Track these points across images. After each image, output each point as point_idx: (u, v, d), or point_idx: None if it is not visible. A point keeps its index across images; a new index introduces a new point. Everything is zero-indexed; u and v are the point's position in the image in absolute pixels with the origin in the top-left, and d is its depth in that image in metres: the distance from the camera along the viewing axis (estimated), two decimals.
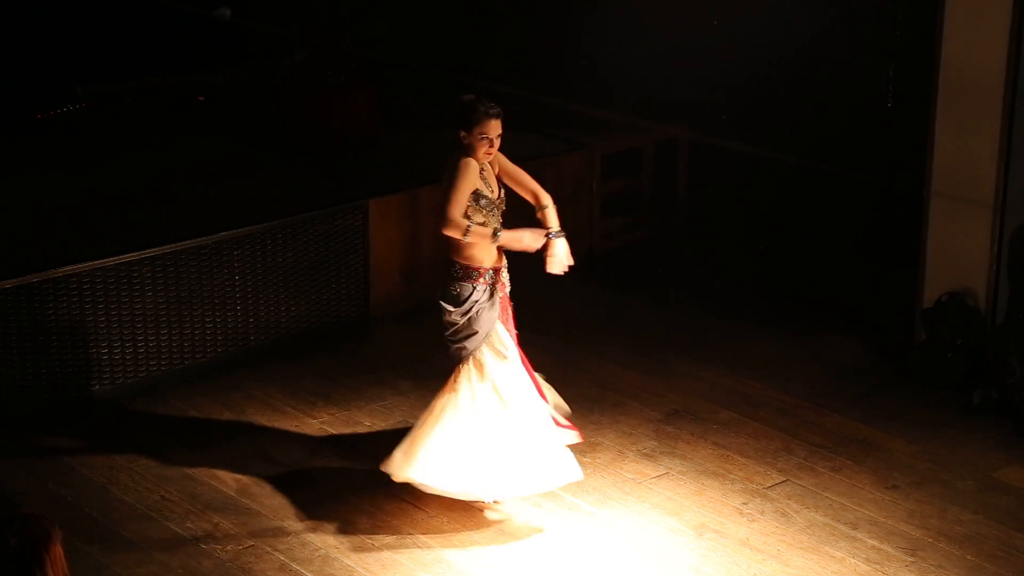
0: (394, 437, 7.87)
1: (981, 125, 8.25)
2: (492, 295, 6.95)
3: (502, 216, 7.05)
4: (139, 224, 8.78)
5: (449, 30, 11.55)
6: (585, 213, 10.23)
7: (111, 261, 8.27)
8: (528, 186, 7.11)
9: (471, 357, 6.97)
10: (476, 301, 6.91)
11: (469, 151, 6.87)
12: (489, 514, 7.17)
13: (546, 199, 7.09)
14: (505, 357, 6.98)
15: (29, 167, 9.82)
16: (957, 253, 8.54)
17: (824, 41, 9.98)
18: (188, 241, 8.54)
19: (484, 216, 6.88)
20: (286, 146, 10.15)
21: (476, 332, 6.94)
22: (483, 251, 6.91)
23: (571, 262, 7.06)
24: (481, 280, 6.94)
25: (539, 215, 7.09)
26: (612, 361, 8.82)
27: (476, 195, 6.86)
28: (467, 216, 6.83)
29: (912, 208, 8.92)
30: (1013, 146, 8.21)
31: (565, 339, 9.09)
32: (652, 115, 10.60)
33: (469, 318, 6.92)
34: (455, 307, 6.93)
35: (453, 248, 6.93)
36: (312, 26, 10.53)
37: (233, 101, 11.07)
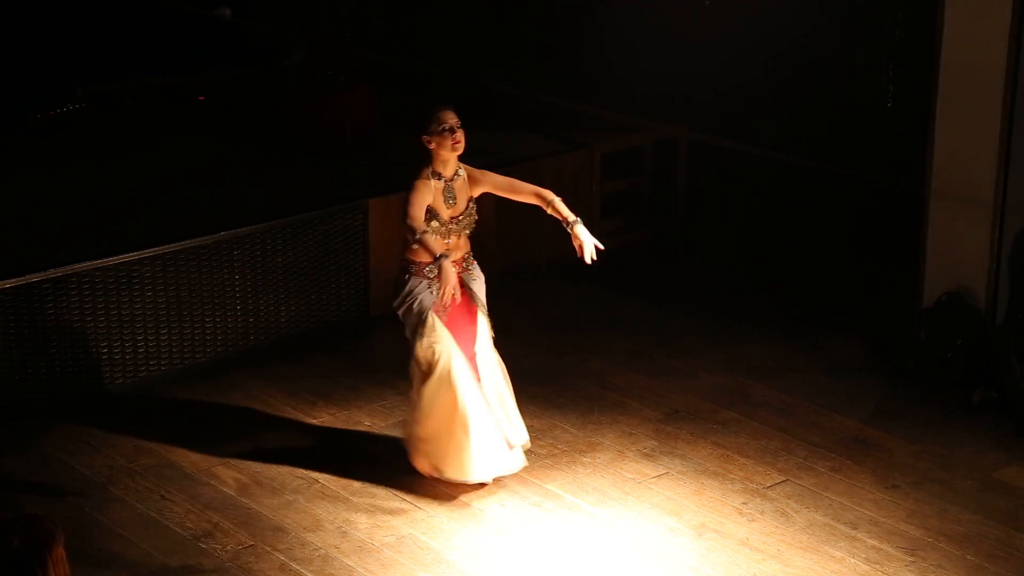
0: (394, 437, 7.88)
1: (981, 125, 8.24)
2: (431, 285, 7.08)
3: (469, 235, 7.19)
4: (139, 224, 8.78)
5: (447, 30, 11.54)
6: (585, 213, 10.15)
7: (111, 261, 8.27)
8: (527, 191, 7.22)
9: (418, 347, 7.12)
10: (412, 290, 7.09)
11: (437, 153, 7.01)
12: (489, 514, 7.17)
13: (549, 194, 7.20)
14: (437, 350, 7.09)
15: (29, 167, 9.81)
16: (957, 253, 8.53)
17: (824, 41, 9.98)
18: (188, 241, 8.53)
19: (433, 235, 7.02)
20: (286, 146, 10.13)
21: (420, 318, 7.09)
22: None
23: (599, 245, 7.09)
24: (421, 274, 7.09)
25: (550, 212, 7.18)
26: (612, 361, 8.82)
27: (430, 213, 6.98)
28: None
29: (912, 207, 8.92)
30: (1013, 146, 8.20)
31: (565, 339, 9.09)
32: (652, 114, 10.59)
33: (409, 306, 7.10)
34: (396, 300, 7.16)
35: (403, 243, 7.09)
36: (312, 26, 10.52)
37: (232, 101, 11.06)
